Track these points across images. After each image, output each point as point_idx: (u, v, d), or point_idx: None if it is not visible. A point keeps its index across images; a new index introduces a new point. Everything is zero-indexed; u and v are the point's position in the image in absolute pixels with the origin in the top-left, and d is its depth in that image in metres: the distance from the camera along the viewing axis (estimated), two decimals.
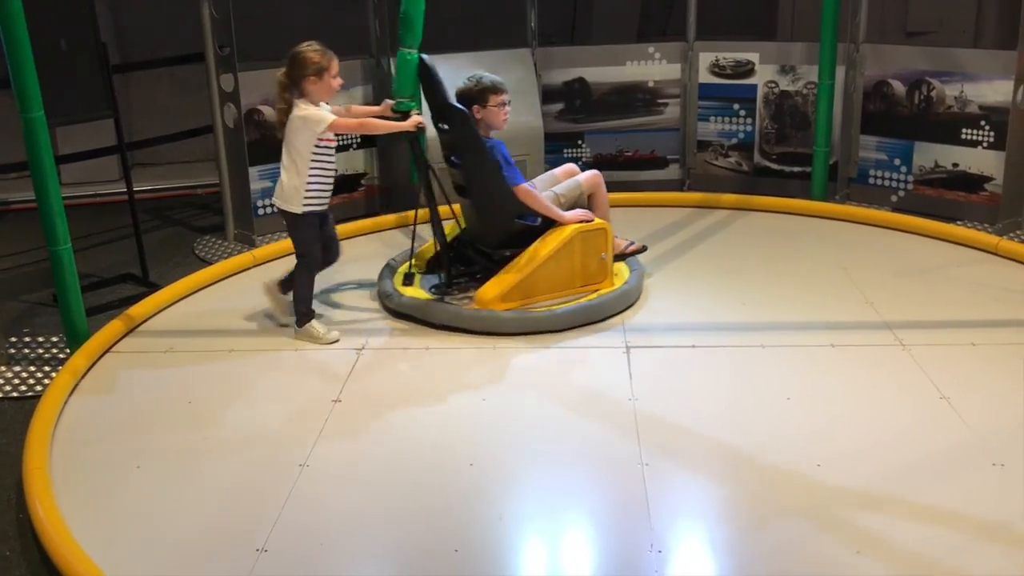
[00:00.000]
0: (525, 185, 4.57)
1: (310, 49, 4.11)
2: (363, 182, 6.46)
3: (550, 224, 4.59)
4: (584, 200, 4.79)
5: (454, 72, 6.46)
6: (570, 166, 4.99)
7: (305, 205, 4.22)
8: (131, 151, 5.89)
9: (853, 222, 5.89)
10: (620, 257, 4.88)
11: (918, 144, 6.03)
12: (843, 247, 5.48)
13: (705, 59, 6.64)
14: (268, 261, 5.53)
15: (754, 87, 6.54)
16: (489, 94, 4.57)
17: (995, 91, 5.63)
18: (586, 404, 3.80)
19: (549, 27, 7.61)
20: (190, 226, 6.47)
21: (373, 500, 3.21)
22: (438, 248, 4.81)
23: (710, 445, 3.47)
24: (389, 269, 4.94)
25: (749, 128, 6.63)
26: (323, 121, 4.09)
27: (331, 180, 4.31)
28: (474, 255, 4.83)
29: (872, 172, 6.26)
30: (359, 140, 6.38)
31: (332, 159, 4.27)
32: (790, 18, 7.72)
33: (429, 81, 4.62)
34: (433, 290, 4.69)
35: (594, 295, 4.57)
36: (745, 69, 6.55)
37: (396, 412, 3.77)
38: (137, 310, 4.71)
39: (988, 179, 5.76)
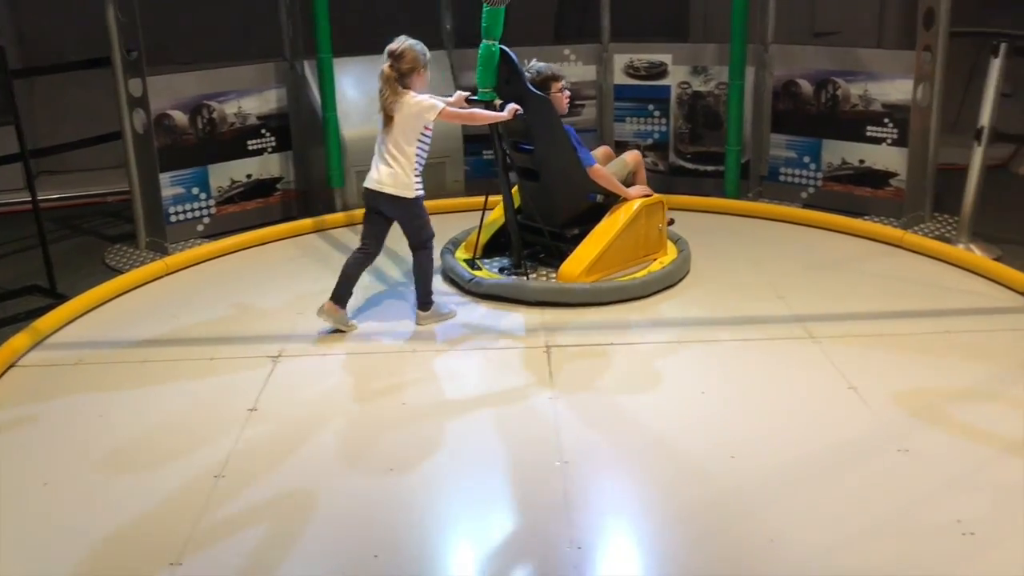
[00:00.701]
0: (598, 166, 4.88)
1: (410, 45, 4.27)
2: (279, 187, 6.37)
3: (613, 201, 4.94)
4: (630, 178, 5.14)
5: (368, 75, 6.44)
6: (606, 148, 5.32)
7: (416, 188, 4.33)
8: (36, 158, 5.70)
9: (765, 219, 6.03)
10: None
11: (826, 142, 6.20)
12: (756, 243, 5.60)
13: (620, 61, 6.73)
14: (180, 269, 5.42)
15: (668, 88, 6.64)
16: (551, 82, 4.87)
17: (897, 90, 5.83)
18: (506, 404, 3.81)
19: (466, 29, 7.61)
20: (100, 235, 6.30)
21: (291, 509, 3.16)
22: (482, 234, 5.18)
23: (628, 441, 3.51)
24: (451, 255, 5.14)
25: (664, 128, 6.73)
26: (435, 108, 4.25)
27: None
28: (531, 236, 5.08)
29: (783, 170, 6.41)
30: (275, 144, 6.30)
31: (429, 145, 4.39)
32: (701, 20, 7.87)
33: (508, 71, 4.75)
34: (506, 272, 4.96)
35: (659, 264, 4.96)
36: (659, 70, 6.66)
37: (313, 419, 3.72)
38: (44, 323, 4.56)
39: (893, 175, 5.96)
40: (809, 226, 5.86)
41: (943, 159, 6.16)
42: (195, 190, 6.01)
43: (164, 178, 5.81)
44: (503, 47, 4.71)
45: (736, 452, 3.38)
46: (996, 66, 5.22)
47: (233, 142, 6.13)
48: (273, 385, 3.97)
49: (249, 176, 6.23)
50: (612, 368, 4.09)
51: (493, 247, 5.20)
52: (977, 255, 5.22)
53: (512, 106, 4.56)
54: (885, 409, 3.64)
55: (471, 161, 6.66)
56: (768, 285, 4.90)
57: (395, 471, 3.33)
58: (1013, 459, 3.29)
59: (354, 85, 6.34)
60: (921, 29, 5.61)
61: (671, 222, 5.33)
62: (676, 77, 6.61)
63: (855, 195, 6.12)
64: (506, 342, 4.34)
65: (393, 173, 4.27)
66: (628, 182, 5.10)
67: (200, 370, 4.15)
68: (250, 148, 6.20)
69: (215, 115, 6.02)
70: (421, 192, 4.35)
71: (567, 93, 4.95)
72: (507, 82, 4.75)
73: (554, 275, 4.88)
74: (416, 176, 4.31)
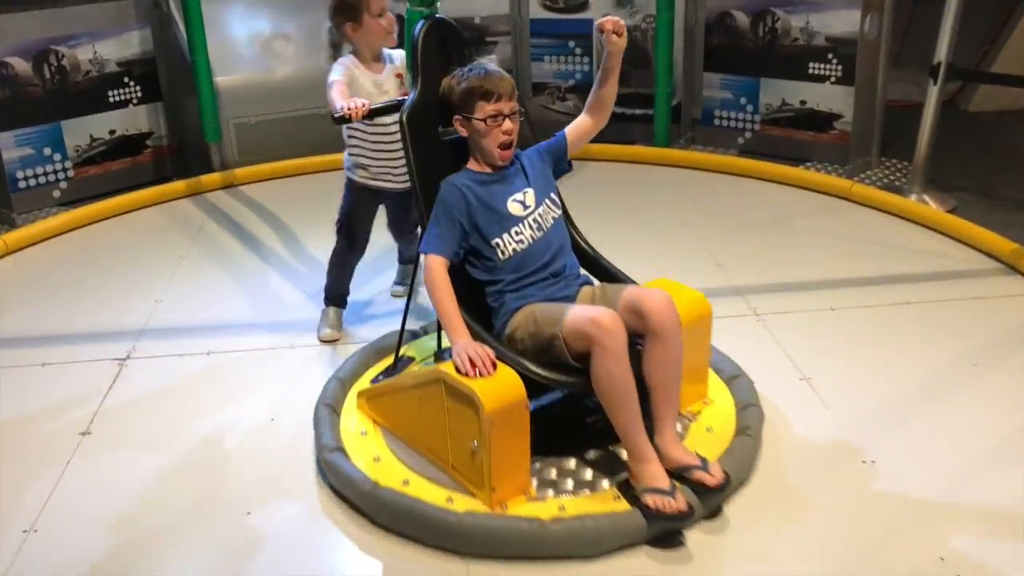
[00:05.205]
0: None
1: None
2: (149, 143, 5.55)
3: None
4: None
5: (245, 10, 5.59)
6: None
7: (347, 168, 3.48)
8: None
9: (698, 169, 5.44)
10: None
11: (764, 81, 5.60)
12: (689, 199, 5.01)
13: None
14: (26, 246, 4.62)
15: (590, 22, 5.94)
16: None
17: (842, 21, 5.23)
18: None
19: None
20: None
21: (122, 571, 2.49)
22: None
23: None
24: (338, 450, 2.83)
25: (586, 68, 6.06)
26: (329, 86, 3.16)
27: (383, 157, 3.37)
28: None
29: (717, 112, 5.81)
30: (140, 94, 5.46)
31: (375, 133, 3.34)
32: None
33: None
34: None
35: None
36: (579, 2, 5.96)
37: (159, 444, 3.00)
38: None
39: (837, 117, 5.39)
40: (747, 176, 5.29)
41: (887, 97, 5.63)
42: (47, 150, 5.16)
43: (6, 137, 4.97)
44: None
45: None
46: None
47: (90, 93, 5.28)
48: (115, 397, 3.26)
49: (112, 132, 5.40)
50: None
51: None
52: (931, 208, 4.70)
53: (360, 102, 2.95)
54: (842, 405, 3.08)
55: None
56: (704, 249, 4.32)
57: (253, 515, 2.67)
58: (998, 471, 2.75)
59: (229, 23, 5.52)
60: None
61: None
62: (599, 9, 5.91)
63: (796, 139, 5.55)
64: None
65: None
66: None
67: (28, 380, 3.40)
68: (111, 100, 5.36)
69: (65, 62, 5.15)
70: (350, 174, 3.45)
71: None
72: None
73: None
74: (351, 154, 3.42)
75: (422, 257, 2.66)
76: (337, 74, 3.22)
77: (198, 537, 2.58)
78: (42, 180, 5.18)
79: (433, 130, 2.78)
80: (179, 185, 5.26)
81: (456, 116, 2.69)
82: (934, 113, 4.79)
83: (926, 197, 4.82)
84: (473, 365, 2.42)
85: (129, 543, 2.56)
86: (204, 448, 2.98)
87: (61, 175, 5.23)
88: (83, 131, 5.28)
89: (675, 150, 5.67)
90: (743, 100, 5.69)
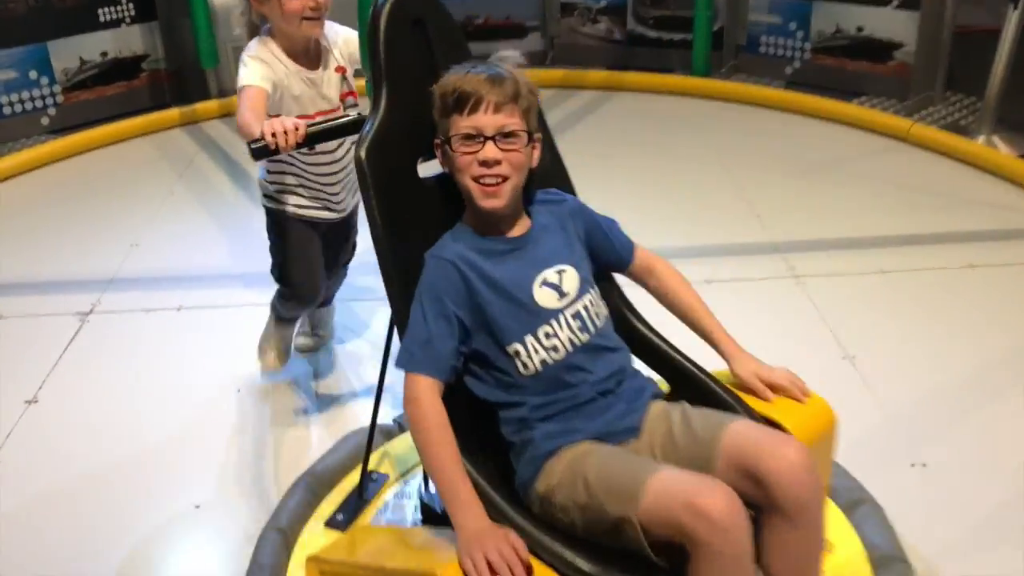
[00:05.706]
0: None
1: None
2: (144, 66, 5.15)
3: None
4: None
5: None
6: None
7: (265, 195, 2.54)
8: None
9: (740, 103, 4.93)
10: None
11: (817, 4, 5.03)
12: (726, 138, 4.54)
13: None
14: (5, 179, 4.29)
15: None
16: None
17: None
18: None
19: None
20: None
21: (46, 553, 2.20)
22: None
23: None
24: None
25: None
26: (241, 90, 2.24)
27: (325, 182, 2.50)
28: None
29: (764, 39, 5.26)
30: (134, 13, 5.05)
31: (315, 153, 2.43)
32: None
33: None
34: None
35: None
36: None
37: (112, 416, 2.69)
38: None
39: (898, 46, 4.82)
40: (793, 112, 4.77)
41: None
42: (32, 73, 4.80)
43: None
44: None
45: None
46: None
47: (78, 12, 4.89)
48: (71, 358, 2.95)
49: (104, 54, 5.01)
50: None
51: None
52: (1001, 152, 4.18)
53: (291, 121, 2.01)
54: (890, 392, 2.67)
55: None
56: (741, 197, 3.87)
57: (203, 508, 2.34)
58: None
59: None
60: None
61: None
62: None
63: (850, 71, 5.00)
64: None
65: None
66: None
67: None
68: (102, 19, 4.96)
69: None
70: (271, 204, 2.53)
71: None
72: None
73: None
74: (273, 178, 2.49)
75: (401, 373, 1.63)
76: (251, 75, 2.21)
77: (143, 526, 2.27)
78: (28, 106, 4.83)
79: (408, 165, 1.76)
80: (173, 113, 4.90)
81: (435, 140, 1.71)
82: (1012, 41, 4.22)
83: (995, 139, 4.29)
84: (494, 573, 1.43)
85: (70, 529, 2.25)
86: (159, 426, 2.65)
87: (49, 100, 4.88)
88: (72, 53, 4.90)
89: (715, 81, 5.15)
90: (793, 25, 5.13)
